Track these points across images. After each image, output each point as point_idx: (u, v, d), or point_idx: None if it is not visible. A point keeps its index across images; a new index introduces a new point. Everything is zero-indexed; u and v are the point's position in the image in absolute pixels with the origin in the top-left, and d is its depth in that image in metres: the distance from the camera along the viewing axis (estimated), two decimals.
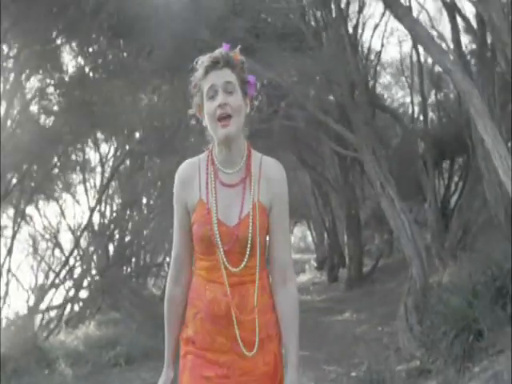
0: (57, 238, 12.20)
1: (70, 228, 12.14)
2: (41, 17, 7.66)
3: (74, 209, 12.69)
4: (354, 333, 8.18)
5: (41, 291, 10.85)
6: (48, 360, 7.68)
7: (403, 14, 4.55)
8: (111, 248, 12.31)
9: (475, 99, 4.03)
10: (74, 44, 9.54)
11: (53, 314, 11.16)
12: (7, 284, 10.58)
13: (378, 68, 12.75)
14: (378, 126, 11.41)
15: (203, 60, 2.08)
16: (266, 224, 2.12)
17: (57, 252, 12.28)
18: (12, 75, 8.82)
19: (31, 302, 10.66)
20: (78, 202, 12.50)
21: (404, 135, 11.25)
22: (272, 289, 2.16)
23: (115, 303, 10.08)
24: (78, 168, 11.60)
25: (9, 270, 10.78)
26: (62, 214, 12.05)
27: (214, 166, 2.14)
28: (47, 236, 12.36)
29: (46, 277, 11.69)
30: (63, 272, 10.95)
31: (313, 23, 6.39)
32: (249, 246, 2.07)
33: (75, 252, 11.23)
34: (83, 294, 11.22)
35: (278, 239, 2.14)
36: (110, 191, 12.32)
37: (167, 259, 12.34)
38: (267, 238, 2.15)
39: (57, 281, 10.79)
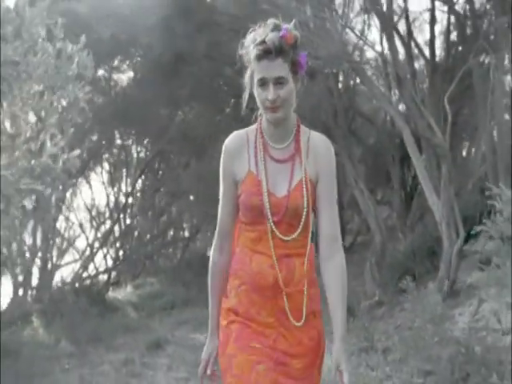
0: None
1: (87, 207, 14.90)
2: None
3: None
4: None
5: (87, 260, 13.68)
6: (112, 308, 10.46)
7: (362, 76, 7.30)
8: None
9: (407, 135, 6.79)
10: None
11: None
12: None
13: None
14: (357, 128, 14.20)
15: (256, 43, 2.01)
16: (313, 197, 2.10)
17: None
18: None
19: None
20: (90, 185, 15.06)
21: (377, 135, 13.99)
22: (320, 262, 2.14)
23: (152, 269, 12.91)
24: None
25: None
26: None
27: (264, 140, 2.13)
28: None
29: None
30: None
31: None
32: (304, 216, 2.06)
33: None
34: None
35: (325, 213, 2.12)
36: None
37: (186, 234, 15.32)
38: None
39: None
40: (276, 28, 2.02)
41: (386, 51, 8.73)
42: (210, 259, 2.20)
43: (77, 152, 5.04)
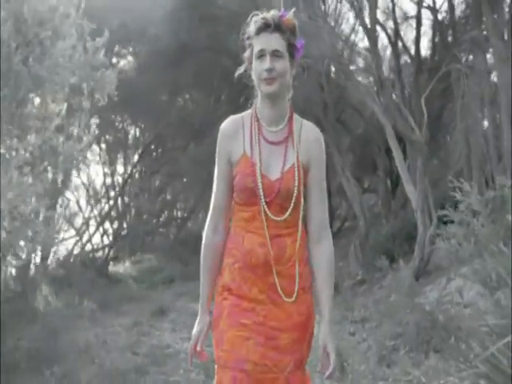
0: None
1: (85, 186, 15.49)
2: None
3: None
4: None
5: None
6: (115, 280, 11.25)
7: (349, 75, 8.06)
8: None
9: (389, 130, 7.58)
10: None
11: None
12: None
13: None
14: (346, 119, 14.93)
15: (256, 20, 2.17)
16: (304, 181, 2.18)
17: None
18: None
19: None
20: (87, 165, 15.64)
21: (365, 126, 14.75)
22: (308, 246, 2.23)
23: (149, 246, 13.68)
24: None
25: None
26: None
27: (258, 123, 2.21)
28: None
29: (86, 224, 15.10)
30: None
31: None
32: (294, 197, 2.14)
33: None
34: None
35: (315, 199, 2.21)
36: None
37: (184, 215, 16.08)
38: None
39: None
40: (276, 11, 2.20)
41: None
42: (203, 238, 2.26)
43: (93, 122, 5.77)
